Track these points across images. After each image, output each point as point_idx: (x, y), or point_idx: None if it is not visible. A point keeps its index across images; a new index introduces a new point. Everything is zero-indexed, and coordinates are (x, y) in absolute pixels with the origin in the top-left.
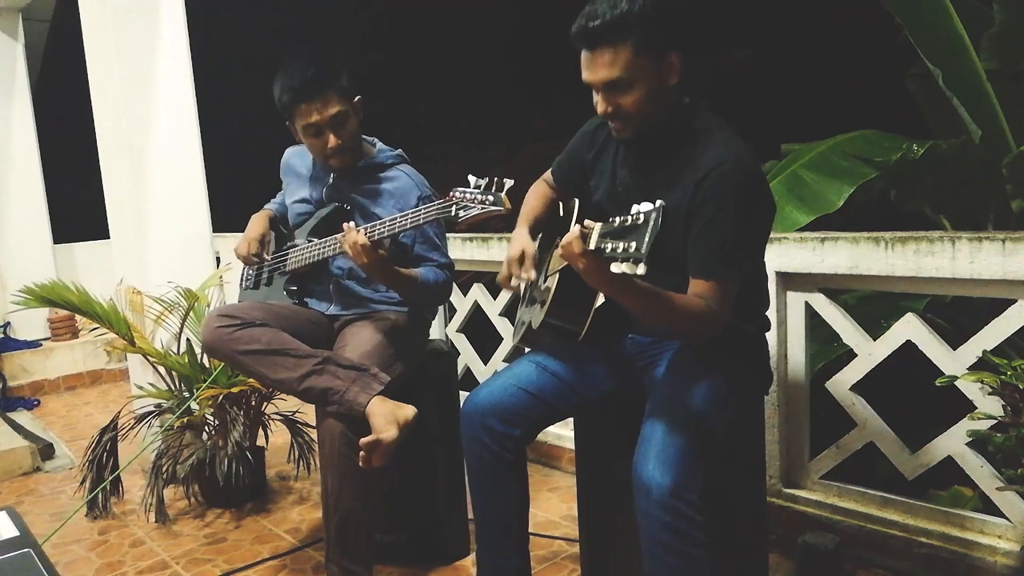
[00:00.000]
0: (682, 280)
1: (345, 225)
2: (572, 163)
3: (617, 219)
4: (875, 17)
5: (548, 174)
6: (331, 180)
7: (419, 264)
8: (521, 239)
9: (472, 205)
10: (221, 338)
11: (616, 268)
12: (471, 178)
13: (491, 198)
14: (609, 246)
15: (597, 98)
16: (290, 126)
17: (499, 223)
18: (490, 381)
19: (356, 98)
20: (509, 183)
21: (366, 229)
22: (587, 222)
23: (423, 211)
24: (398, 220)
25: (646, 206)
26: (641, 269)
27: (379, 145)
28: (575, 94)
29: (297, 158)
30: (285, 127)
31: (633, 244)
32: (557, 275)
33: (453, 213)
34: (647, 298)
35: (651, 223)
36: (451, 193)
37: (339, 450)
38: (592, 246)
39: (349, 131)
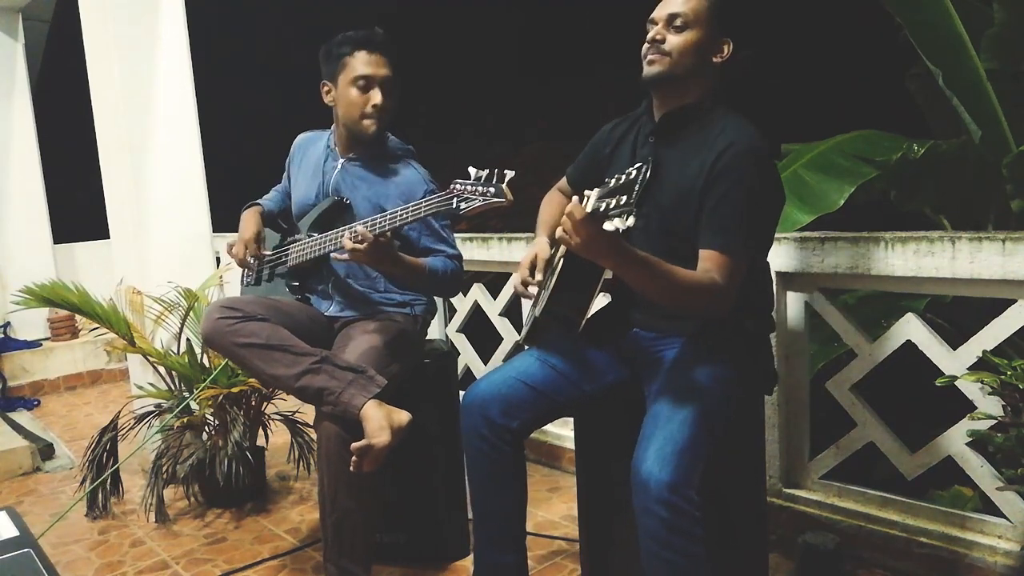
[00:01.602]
0: (696, 260)
1: (345, 237)
2: (588, 163)
3: (611, 180)
4: (875, 17)
5: (562, 181)
6: (340, 165)
7: (427, 257)
8: (537, 245)
9: (473, 197)
10: (221, 330)
11: (608, 226)
12: (471, 170)
13: (492, 190)
14: (603, 205)
15: (652, 32)
16: (329, 84)
17: (500, 223)
18: (491, 373)
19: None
20: (510, 174)
21: (366, 223)
22: (586, 192)
23: (423, 204)
24: (398, 214)
25: (637, 166)
26: (631, 221)
27: (392, 139)
28: (576, 95)
29: (310, 144)
30: (285, 126)
31: (623, 197)
32: (561, 262)
33: (455, 205)
34: (651, 268)
35: (640, 176)
36: (452, 185)
37: (335, 451)
38: (589, 209)
39: (391, 102)
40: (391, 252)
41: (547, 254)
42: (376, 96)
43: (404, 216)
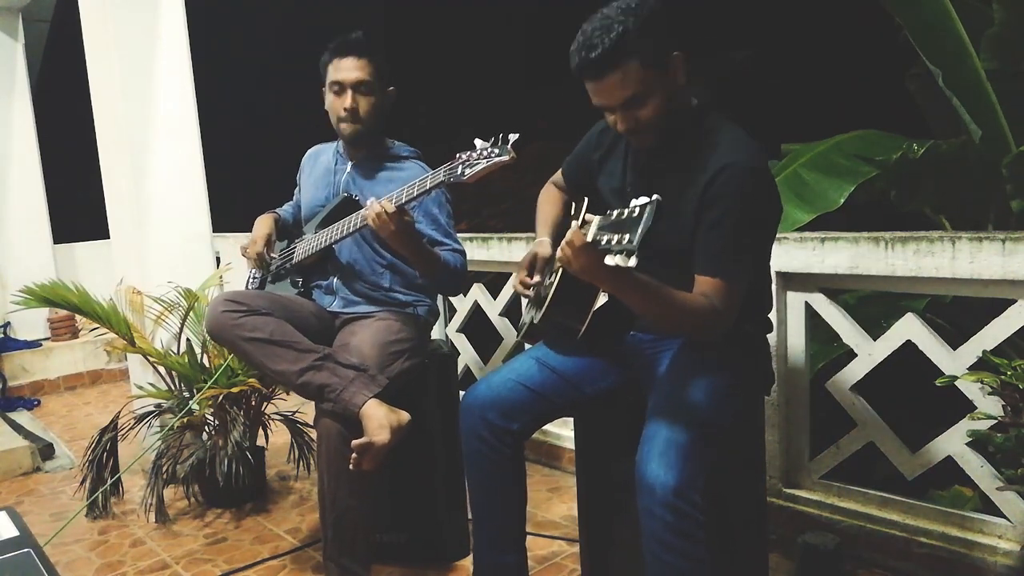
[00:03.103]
0: (692, 281)
1: (369, 202)
2: (580, 163)
3: (614, 212)
4: (875, 17)
5: (558, 175)
6: (349, 168)
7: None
8: (538, 245)
9: (478, 161)
10: (225, 323)
11: (610, 260)
12: (477, 141)
13: (496, 151)
14: (604, 238)
15: (613, 117)
16: (323, 91)
17: (500, 223)
18: (490, 375)
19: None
20: (514, 136)
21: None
22: (587, 216)
23: (429, 176)
24: (405, 190)
25: (642, 199)
26: (632, 261)
27: (397, 143)
28: (576, 94)
29: (319, 154)
30: (285, 126)
31: (627, 236)
32: (560, 271)
33: (460, 172)
34: (649, 293)
35: (645, 215)
36: (456, 156)
37: (335, 448)
38: (589, 238)
39: (369, 104)
40: (411, 226)
41: (547, 253)
42: (347, 100)
43: (411, 192)
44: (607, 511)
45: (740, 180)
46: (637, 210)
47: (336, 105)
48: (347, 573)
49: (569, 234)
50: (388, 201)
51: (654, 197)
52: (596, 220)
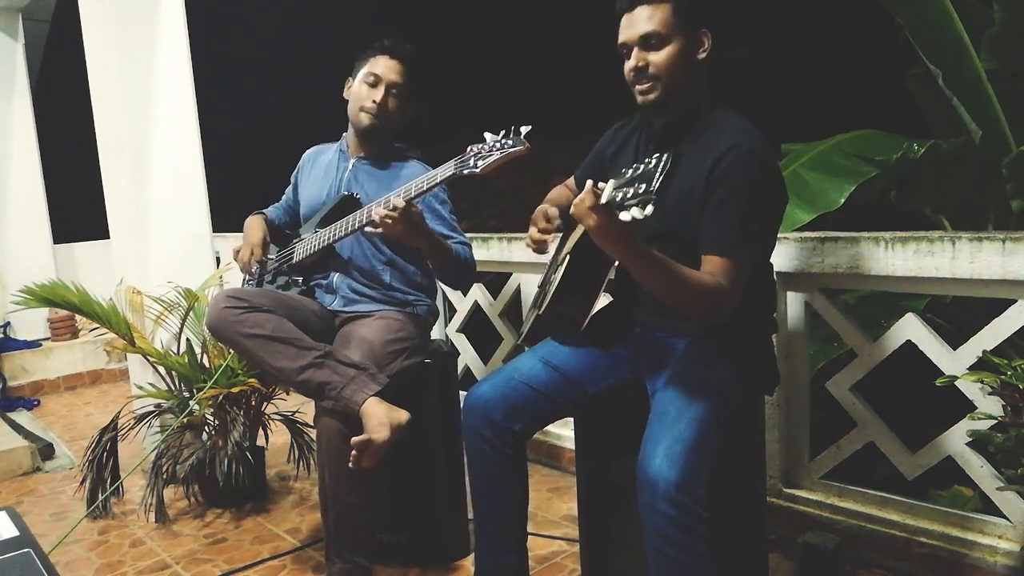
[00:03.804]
0: (698, 266)
1: (368, 207)
2: (594, 161)
3: (628, 171)
4: (875, 17)
5: (570, 179)
6: (351, 165)
7: None
8: (542, 206)
9: (490, 153)
10: (226, 319)
11: (625, 216)
12: (487, 135)
13: (510, 142)
14: (620, 194)
15: (629, 62)
16: (350, 80)
17: (500, 223)
18: (493, 375)
19: (409, 108)
20: (526, 128)
21: (390, 196)
22: (600, 184)
23: (440, 170)
24: (413, 185)
25: (656, 155)
26: (649, 210)
27: (399, 145)
28: (575, 95)
29: (319, 154)
30: (285, 126)
31: (643, 186)
32: (567, 260)
33: (472, 164)
34: (658, 265)
35: (661, 165)
36: (467, 149)
37: (335, 446)
38: (604, 200)
39: (395, 106)
40: (421, 222)
41: (556, 212)
42: (378, 94)
43: (420, 186)
44: (607, 511)
45: (747, 161)
46: (653, 161)
47: (365, 95)
48: (349, 564)
49: (583, 192)
50: (397, 197)
51: (669, 152)
52: (612, 182)
